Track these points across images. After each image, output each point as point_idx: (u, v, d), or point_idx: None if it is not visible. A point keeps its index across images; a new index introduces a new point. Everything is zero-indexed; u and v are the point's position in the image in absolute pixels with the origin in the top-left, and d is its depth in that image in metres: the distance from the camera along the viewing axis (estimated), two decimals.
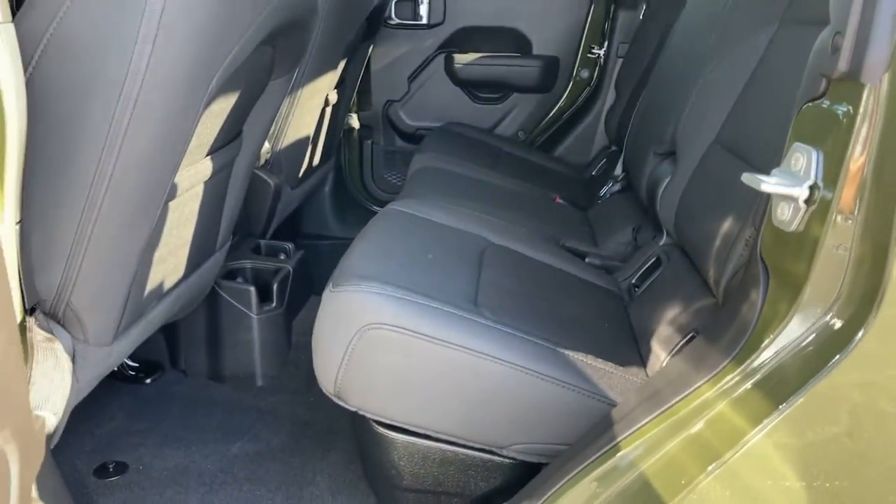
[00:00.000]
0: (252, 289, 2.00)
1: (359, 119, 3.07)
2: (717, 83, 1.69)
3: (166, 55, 1.06)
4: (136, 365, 2.04)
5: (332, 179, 3.08)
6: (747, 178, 0.92)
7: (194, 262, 1.67)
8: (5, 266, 0.83)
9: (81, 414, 1.81)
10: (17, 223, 1.06)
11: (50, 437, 1.04)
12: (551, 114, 3.07)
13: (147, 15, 1.02)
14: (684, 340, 1.30)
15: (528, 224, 1.99)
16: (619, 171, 2.62)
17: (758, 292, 0.95)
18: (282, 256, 2.31)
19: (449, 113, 3.04)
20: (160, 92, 1.09)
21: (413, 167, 2.44)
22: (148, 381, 2.02)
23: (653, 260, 1.74)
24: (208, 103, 1.24)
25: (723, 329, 1.01)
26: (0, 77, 0.94)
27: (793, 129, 0.95)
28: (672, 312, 1.43)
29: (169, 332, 2.03)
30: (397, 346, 1.24)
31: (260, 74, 1.56)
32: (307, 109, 2.23)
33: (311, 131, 2.38)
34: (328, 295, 1.33)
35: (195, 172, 1.45)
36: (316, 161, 2.62)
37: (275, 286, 2.06)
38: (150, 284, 1.46)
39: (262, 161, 2.18)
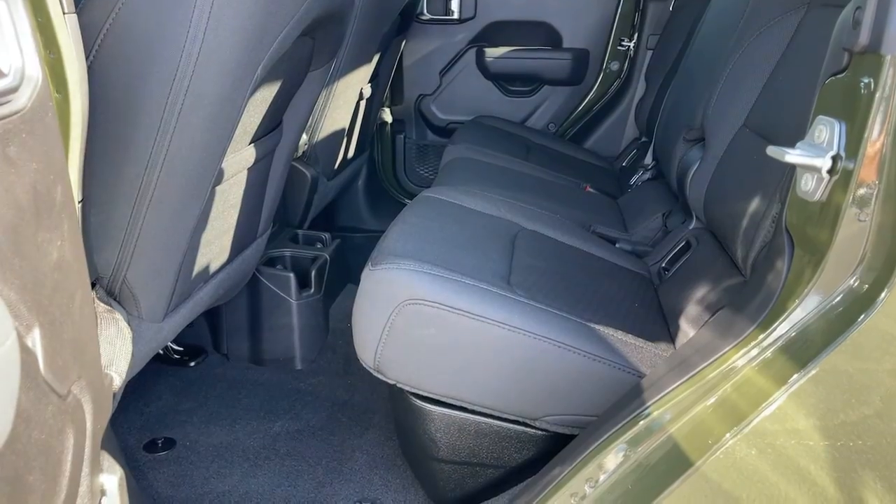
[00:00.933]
0: (291, 275, 2.07)
1: (391, 113, 3.13)
2: (746, 68, 1.72)
3: (216, 44, 1.12)
4: (181, 349, 2.12)
5: (366, 173, 3.15)
6: (772, 150, 0.95)
7: (238, 248, 1.74)
8: (79, 230, 0.89)
9: (131, 393, 1.90)
10: (79, 202, 1.14)
11: (114, 396, 1.11)
12: (581, 106, 3.10)
13: (198, 5, 1.09)
14: (713, 317, 1.34)
15: (559, 211, 2.03)
16: (649, 159, 2.65)
17: (783, 261, 0.99)
18: (318, 245, 2.39)
19: (480, 106, 3.09)
20: (211, 79, 1.15)
21: (445, 158, 2.50)
22: (192, 364, 2.10)
23: (682, 244, 1.77)
24: (253, 91, 1.31)
25: (749, 298, 1.04)
26: (65, 65, 1.01)
27: (817, 103, 0.98)
28: (701, 292, 1.47)
29: (211, 317, 2.11)
30: (434, 320, 1.30)
31: (300, 65, 1.63)
32: (343, 102, 2.30)
33: (346, 124, 2.45)
34: (367, 273, 1.39)
35: (240, 159, 1.53)
36: (350, 153, 2.68)
37: (313, 273, 2.13)
38: (198, 266, 1.53)
39: (300, 152, 2.25)
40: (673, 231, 1.94)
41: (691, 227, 1.84)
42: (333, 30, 1.66)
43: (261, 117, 1.54)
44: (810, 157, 0.92)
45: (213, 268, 1.64)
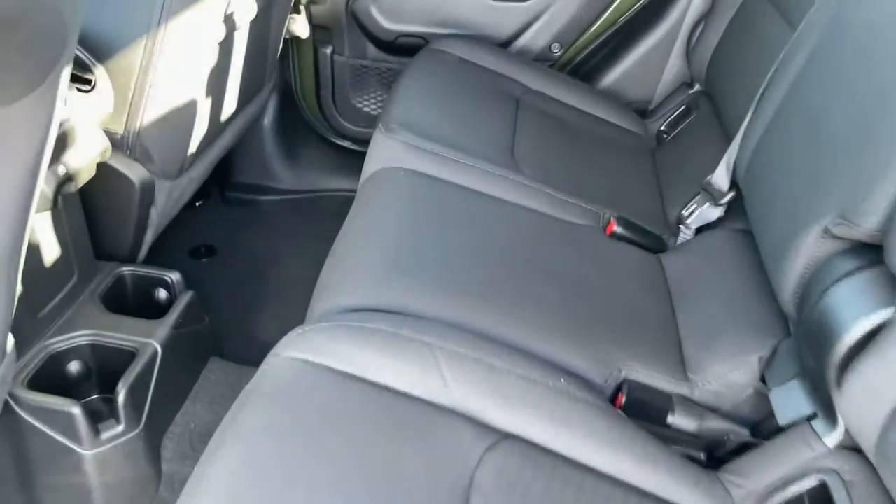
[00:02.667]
0: (76, 411, 1.16)
1: (310, 18, 2.02)
2: None
3: None
4: None
5: (276, 106, 2.12)
6: None
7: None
8: None
9: None
10: None
11: None
12: (602, 19, 2.01)
13: None
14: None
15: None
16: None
17: None
18: (160, 295, 1.46)
19: (447, 13, 1.99)
20: None
21: (373, 149, 1.47)
22: None
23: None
24: None
25: None
26: None
27: None
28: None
29: None
30: None
31: None
32: (183, 47, 1.29)
33: (202, 80, 1.42)
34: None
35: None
36: (227, 110, 1.65)
37: (121, 395, 1.21)
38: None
39: (118, 134, 1.29)
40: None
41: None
42: None
43: None
44: None
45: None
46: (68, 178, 1.11)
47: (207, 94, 1.48)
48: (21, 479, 1.22)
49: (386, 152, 1.38)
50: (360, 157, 2.22)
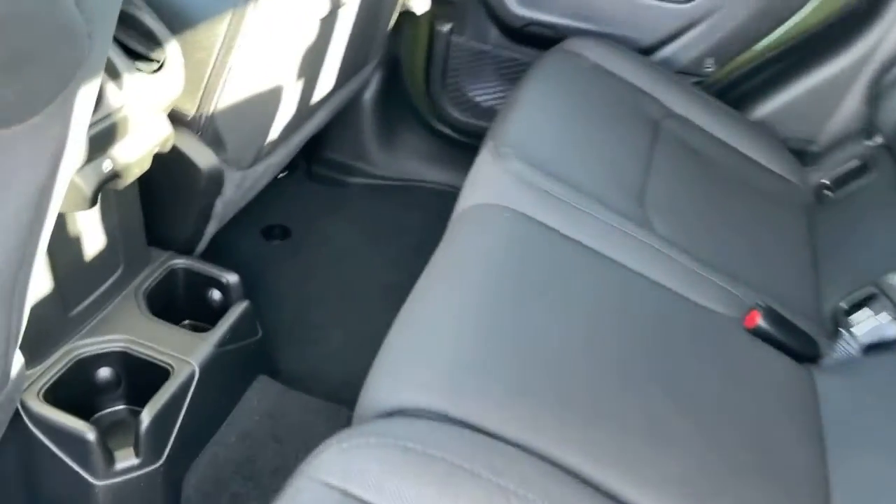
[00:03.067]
0: (91, 437, 1.00)
1: None
2: None
3: None
4: None
5: (380, 81, 1.90)
6: None
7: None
8: None
9: None
10: None
11: None
12: (775, 35, 1.68)
13: None
14: None
15: None
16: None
17: None
18: (213, 295, 1.29)
19: (587, 5, 1.71)
20: None
21: (472, 178, 1.23)
22: None
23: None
24: None
25: None
26: None
27: None
28: None
29: None
30: None
31: None
32: (278, 18, 1.09)
33: (294, 61, 1.21)
34: None
35: None
36: (319, 96, 1.45)
37: (145, 423, 1.04)
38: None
39: (189, 116, 1.12)
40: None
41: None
42: None
43: None
44: None
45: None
46: (115, 174, 0.93)
47: (299, 77, 1.27)
48: (26, 499, 1.09)
49: (491, 182, 1.15)
50: (463, 148, 2.01)
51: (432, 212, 1.93)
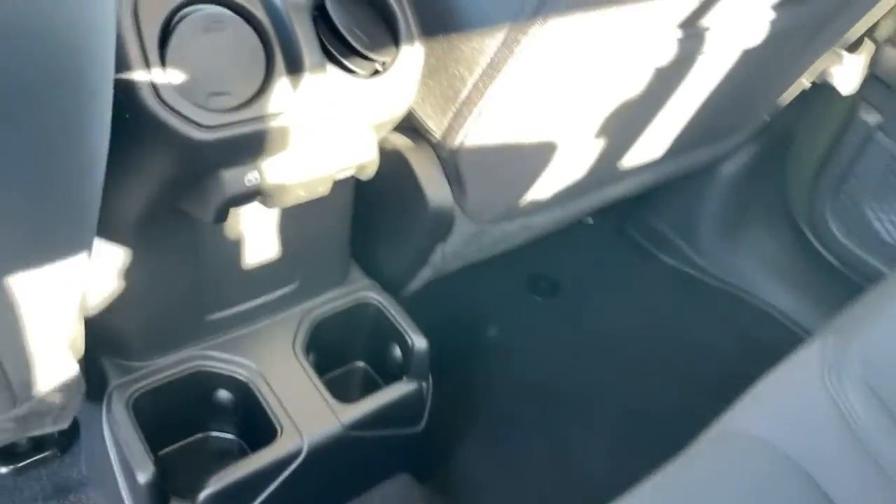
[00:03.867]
0: (142, 478, 0.81)
1: (873, 63, 1.23)
2: None
3: None
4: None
5: (751, 157, 1.44)
6: None
7: None
8: None
9: None
10: None
11: None
12: None
13: None
14: None
15: None
16: None
17: None
18: (394, 351, 1.03)
19: None
20: None
21: None
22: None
23: None
24: None
25: None
26: None
27: None
28: None
29: None
30: None
31: None
32: (576, 52, 0.74)
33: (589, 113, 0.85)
34: None
35: None
36: (632, 161, 1.05)
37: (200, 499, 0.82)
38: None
39: (436, 136, 0.85)
40: None
41: None
42: None
43: None
44: None
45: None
46: (256, 191, 0.69)
47: (600, 133, 0.91)
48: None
49: (803, 402, 0.68)
50: (834, 283, 1.43)
51: (749, 339, 1.44)
